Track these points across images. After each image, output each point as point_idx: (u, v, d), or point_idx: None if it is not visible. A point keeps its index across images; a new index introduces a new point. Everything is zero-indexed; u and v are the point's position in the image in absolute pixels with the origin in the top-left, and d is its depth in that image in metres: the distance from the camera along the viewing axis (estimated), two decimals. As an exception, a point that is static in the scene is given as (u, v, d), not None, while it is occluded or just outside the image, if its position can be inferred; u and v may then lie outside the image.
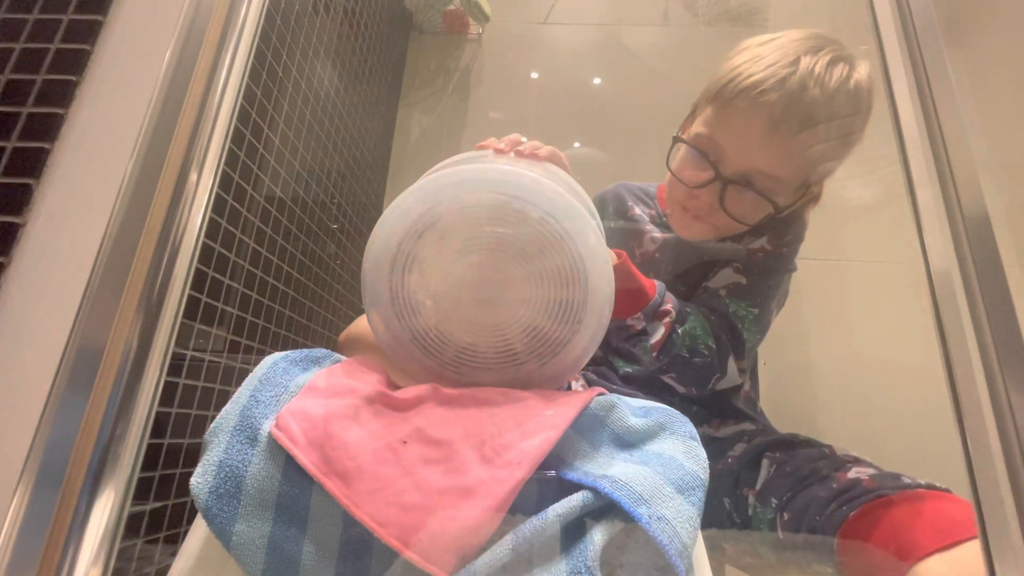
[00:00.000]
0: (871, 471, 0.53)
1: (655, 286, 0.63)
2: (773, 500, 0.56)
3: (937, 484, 0.50)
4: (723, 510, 0.63)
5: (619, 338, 0.64)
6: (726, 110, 0.60)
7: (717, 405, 0.71)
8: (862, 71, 0.58)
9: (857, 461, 0.55)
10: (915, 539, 0.44)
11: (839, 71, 0.56)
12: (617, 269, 0.58)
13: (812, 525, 0.51)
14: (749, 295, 0.65)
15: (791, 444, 0.62)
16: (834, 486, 0.52)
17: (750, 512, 0.59)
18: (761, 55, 0.58)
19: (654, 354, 0.62)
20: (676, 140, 0.67)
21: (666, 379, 0.66)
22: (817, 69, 0.56)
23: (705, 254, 0.71)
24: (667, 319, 0.61)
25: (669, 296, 0.63)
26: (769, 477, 0.59)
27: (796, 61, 0.56)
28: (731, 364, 0.63)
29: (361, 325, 0.69)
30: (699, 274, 0.71)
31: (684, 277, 0.72)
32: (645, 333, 0.61)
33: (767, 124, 0.56)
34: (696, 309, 0.64)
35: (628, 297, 0.60)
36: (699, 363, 0.61)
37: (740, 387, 0.72)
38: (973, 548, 0.41)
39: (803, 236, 0.69)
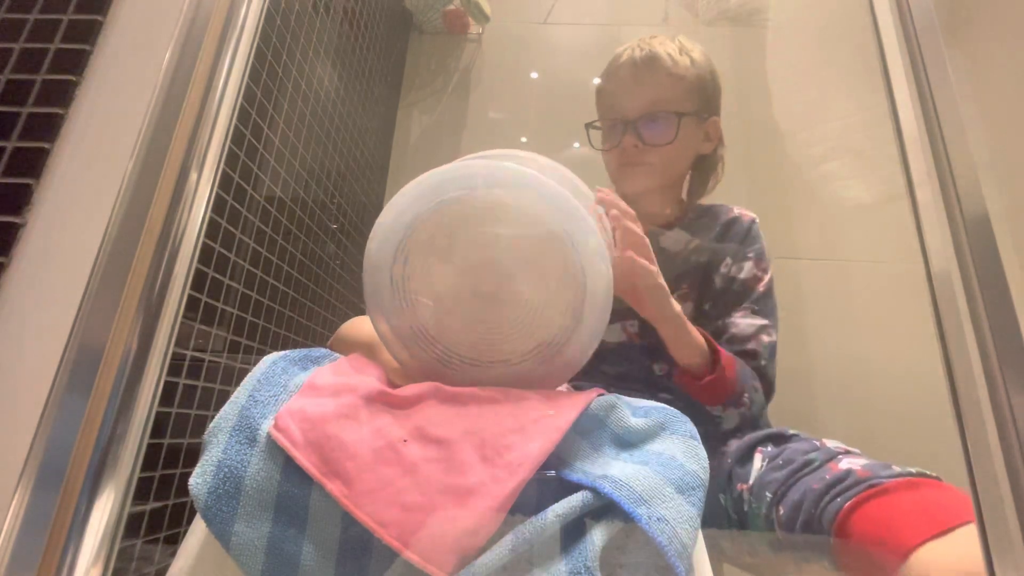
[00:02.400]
0: (863, 461, 0.55)
1: (735, 376, 0.65)
2: (767, 494, 0.58)
3: (928, 471, 0.52)
4: (719, 507, 0.63)
5: (695, 417, 0.67)
6: (605, 87, 0.82)
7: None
8: (684, 41, 0.80)
9: (848, 452, 0.58)
10: (909, 528, 0.45)
11: (664, 38, 0.79)
12: (712, 361, 0.63)
13: (808, 518, 0.52)
14: (768, 332, 0.72)
15: (782, 437, 0.65)
16: (827, 477, 0.53)
17: (746, 508, 0.60)
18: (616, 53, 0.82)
19: (721, 436, 0.66)
20: (588, 126, 0.84)
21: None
22: (646, 38, 0.80)
23: (665, 261, 0.75)
24: (742, 409, 0.65)
25: (746, 384, 0.66)
26: (762, 471, 0.61)
27: (632, 43, 0.80)
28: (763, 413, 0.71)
29: (352, 327, 0.69)
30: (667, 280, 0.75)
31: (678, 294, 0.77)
32: (720, 417, 0.65)
33: (630, 69, 0.78)
34: (754, 382, 0.67)
35: (718, 390, 0.63)
36: (743, 425, 0.67)
37: None
38: (965, 533, 0.43)
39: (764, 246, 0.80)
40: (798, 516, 0.53)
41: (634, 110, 0.77)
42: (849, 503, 0.50)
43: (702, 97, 0.78)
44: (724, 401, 0.64)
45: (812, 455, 0.58)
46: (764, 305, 0.73)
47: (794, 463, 0.58)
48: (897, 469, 0.52)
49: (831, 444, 0.60)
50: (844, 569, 0.50)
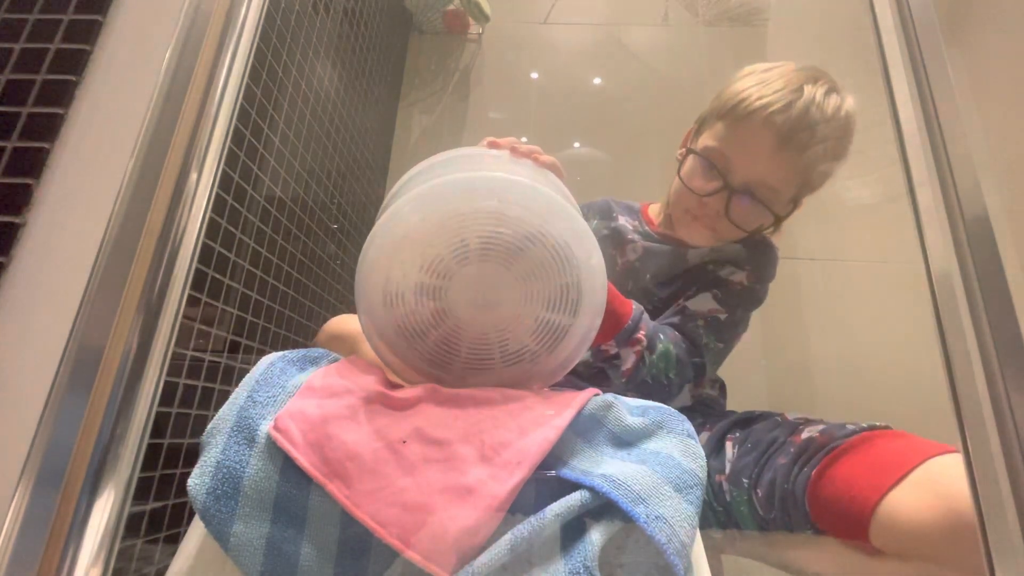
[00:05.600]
0: (821, 427, 0.57)
1: (631, 311, 0.63)
2: (744, 480, 0.60)
3: (877, 423, 0.55)
4: (703, 501, 0.64)
5: (596, 359, 0.66)
6: (737, 126, 0.66)
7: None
8: (850, 102, 0.66)
9: (808, 422, 0.60)
10: (869, 485, 0.48)
11: (834, 100, 0.64)
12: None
13: (783, 494, 0.55)
14: (723, 331, 0.70)
15: (747, 421, 0.66)
16: (792, 450, 0.56)
17: (728, 498, 0.61)
18: (768, 80, 0.65)
19: (623, 380, 0.64)
20: (689, 151, 0.72)
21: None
22: (818, 97, 0.63)
23: (683, 270, 0.75)
24: (638, 347, 0.63)
25: (644, 321, 0.64)
26: (734, 459, 0.62)
27: (800, 88, 0.63)
28: (686, 390, 0.70)
29: (338, 323, 0.71)
30: (677, 287, 0.75)
31: (661, 286, 0.76)
32: (618, 357, 0.64)
33: (774, 141, 0.63)
34: (667, 335, 0.66)
35: (604, 321, 0.61)
36: (658, 390, 0.65)
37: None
38: (917, 477, 0.46)
39: (775, 274, 0.75)
40: (775, 494, 0.56)
41: (742, 179, 0.66)
42: (815, 472, 0.53)
43: (815, 186, 0.68)
44: (614, 333, 0.61)
45: (775, 432, 0.60)
46: (729, 298, 0.70)
47: (761, 443, 0.60)
48: (851, 427, 0.55)
49: (791, 417, 0.62)
50: (827, 532, 0.53)
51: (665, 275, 0.76)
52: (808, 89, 0.63)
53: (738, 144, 0.66)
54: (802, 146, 0.62)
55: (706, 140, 0.69)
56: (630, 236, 0.80)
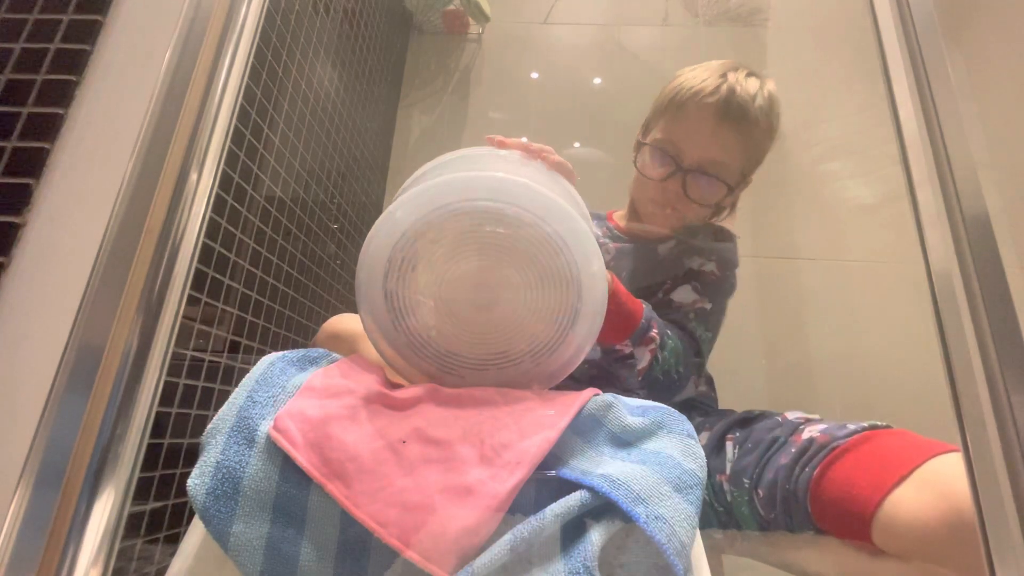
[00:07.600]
0: (821, 426, 0.58)
1: (643, 309, 0.65)
2: (745, 480, 0.60)
3: (878, 422, 0.55)
4: (704, 502, 0.65)
5: (608, 360, 0.66)
6: (677, 115, 0.76)
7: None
8: (770, 84, 0.76)
9: (808, 421, 0.60)
10: (870, 484, 0.48)
11: (754, 81, 0.74)
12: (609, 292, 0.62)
13: (784, 494, 0.55)
14: (709, 320, 0.75)
15: (747, 420, 0.67)
16: (792, 450, 0.56)
17: (728, 498, 0.62)
18: (695, 74, 0.76)
19: (639, 379, 0.66)
20: (640, 144, 0.80)
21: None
22: (740, 80, 0.73)
23: (656, 264, 0.79)
24: (652, 346, 0.65)
25: (655, 319, 0.66)
26: (735, 458, 0.63)
27: (724, 75, 0.74)
28: (690, 382, 0.72)
29: (337, 322, 0.71)
30: (652, 282, 0.78)
31: (637, 284, 0.79)
32: (632, 357, 0.65)
33: (712, 119, 0.72)
34: (672, 330, 0.69)
35: (618, 321, 0.62)
36: (669, 385, 0.68)
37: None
38: (919, 476, 0.46)
39: (738, 261, 0.81)
40: (776, 494, 0.56)
41: (693, 159, 0.73)
42: (816, 472, 0.53)
43: (757, 159, 0.77)
44: (630, 333, 0.63)
45: (776, 432, 0.60)
46: (707, 288, 0.76)
47: (762, 443, 0.60)
48: (852, 427, 0.55)
49: (792, 416, 0.62)
50: (828, 532, 0.53)
51: (640, 272, 0.80)
52: (731, 75, 0.73)
53: (681, 129, 0.75)
54: (737, 119, 0.72)
55: (654, 134, 0.78)
56: (600, 240, 0.83)
